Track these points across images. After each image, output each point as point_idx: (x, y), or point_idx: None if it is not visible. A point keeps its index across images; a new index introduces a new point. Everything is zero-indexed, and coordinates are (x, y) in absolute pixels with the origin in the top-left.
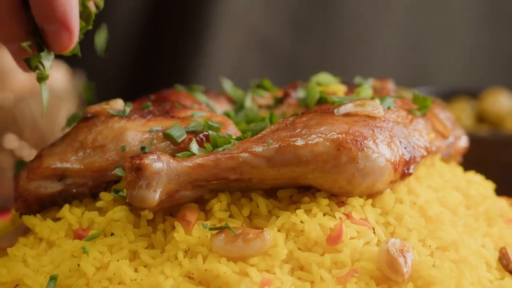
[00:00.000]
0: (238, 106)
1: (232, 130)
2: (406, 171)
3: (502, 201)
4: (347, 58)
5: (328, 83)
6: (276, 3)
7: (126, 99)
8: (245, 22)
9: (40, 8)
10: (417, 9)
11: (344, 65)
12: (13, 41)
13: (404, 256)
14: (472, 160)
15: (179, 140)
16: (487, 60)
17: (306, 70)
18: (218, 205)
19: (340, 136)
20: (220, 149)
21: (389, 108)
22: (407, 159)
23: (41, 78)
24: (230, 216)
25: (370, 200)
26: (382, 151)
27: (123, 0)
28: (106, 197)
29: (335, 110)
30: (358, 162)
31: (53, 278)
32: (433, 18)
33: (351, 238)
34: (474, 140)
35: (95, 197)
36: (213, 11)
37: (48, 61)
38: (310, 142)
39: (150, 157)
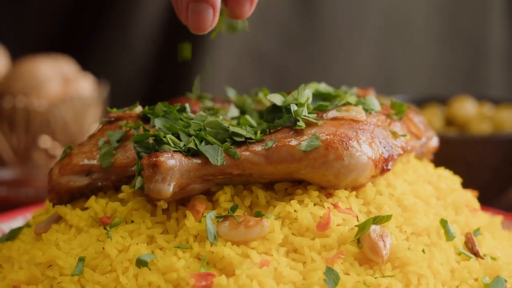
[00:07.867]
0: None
1: None
2: (385, 167)
3: (468, 193)
4: (329, 67)
5: None
6: (268, 18)
7: (143, 105)
8: (240, 34)
9: None
10: (387, 29)
11: (327, 72)
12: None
13: (383, 240)
14: (442, 157)
15: None
16: (446, 71)
17: (295, 77)
18: (223, 197)
19: (328, 137)
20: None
21: (370, 113)
22: (386, 157)
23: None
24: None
25: (354, 192)
26: (365, 150)
27: (139, 17)
28: (127, 189)
29: (324, 115)
30: (343, 160)
31: (81, 259)
32: (400, 36)
33: (337, 225)
34: (443, 140)
35: (117, 189)
36: None
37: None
38: (302, 142)
39: (165, 155)
